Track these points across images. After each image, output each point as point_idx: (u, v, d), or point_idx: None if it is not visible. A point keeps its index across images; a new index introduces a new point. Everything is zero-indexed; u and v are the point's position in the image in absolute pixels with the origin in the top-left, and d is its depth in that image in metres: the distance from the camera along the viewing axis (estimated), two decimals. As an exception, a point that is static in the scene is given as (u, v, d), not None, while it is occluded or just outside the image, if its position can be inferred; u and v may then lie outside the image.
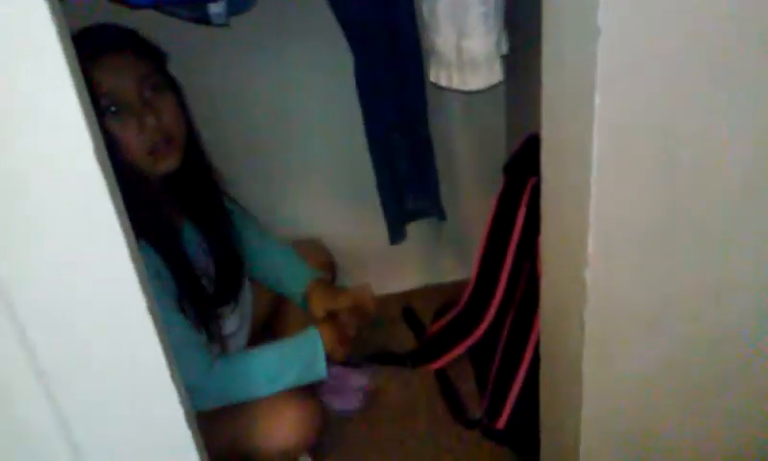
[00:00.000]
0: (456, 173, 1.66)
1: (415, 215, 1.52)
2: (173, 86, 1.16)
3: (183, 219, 1.22)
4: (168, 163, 1.12)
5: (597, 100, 0.67)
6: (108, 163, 0.63)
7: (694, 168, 0.73)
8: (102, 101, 1.04)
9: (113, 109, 1.06)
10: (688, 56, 0.67)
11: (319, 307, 1.35)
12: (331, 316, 1.33)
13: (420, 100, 1.33)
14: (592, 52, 0.65)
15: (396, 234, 1.47)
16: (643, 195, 0.73)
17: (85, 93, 0.61)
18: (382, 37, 1.24)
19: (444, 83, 0.99)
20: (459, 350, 1.45)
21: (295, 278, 1.41)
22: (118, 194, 0.64)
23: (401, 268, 1.78)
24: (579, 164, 0.73)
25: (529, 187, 1.23)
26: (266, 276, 1.42)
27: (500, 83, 0.97)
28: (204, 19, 1.07)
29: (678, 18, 0.65)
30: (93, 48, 1.05)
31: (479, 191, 1.67)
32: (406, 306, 1.72)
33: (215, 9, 1.04)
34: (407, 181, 1.45)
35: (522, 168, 1.28)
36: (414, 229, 1.54)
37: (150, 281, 1.03)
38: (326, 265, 1.54)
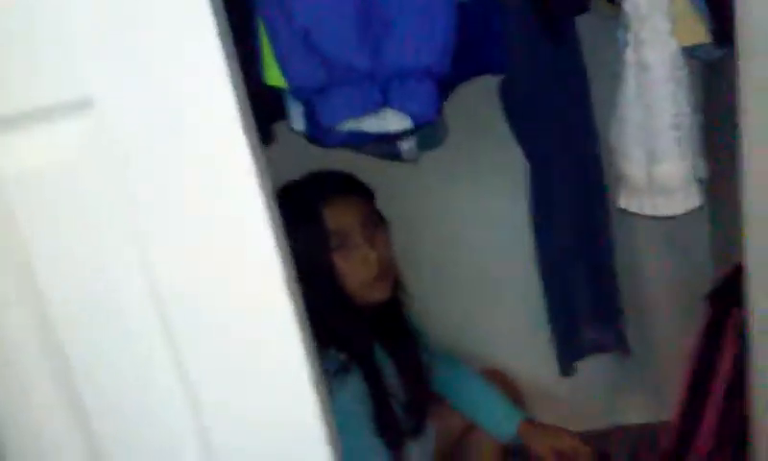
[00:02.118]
0: (648, 303, 1.57)
1: (592, 349, 1.44)
2: (383, 222, 1.28)
3: (375, 344, 1.26)
4: (382, 293, 1.22)
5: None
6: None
7: None
8: (332, 238, 1.17)
9: (339, 244, 1.18)
10: None
11: (545, 447, 1.33)
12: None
13: (603, 226, 1.29)
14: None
15: (566, 367, 1.40)
16: None
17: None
18: (564, 163, 1.24)
19: (634, 210, 0.95)
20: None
21: (502, 414, 1.39)
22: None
23: (585, 406, 1.68)
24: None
25: (734, 320, 1.13)
26: (461, 406, 1.42)
27: (696, 208, 0.92)
28: (395, 156, 1.14)
29: None
30: (322, 191, 1.21)
31: (673, 325, 1.55)
32: (600, 452, 1.60)
33: (405, 145, 1.10)
34: (583, 311, 1.38)
35: (727, 299, 1.19)
36: (599, 363, 1.46)
37: (352, 407, 1.08)
38: (514, 398, 1.49)
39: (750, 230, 0.73)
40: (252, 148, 0.61)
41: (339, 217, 1.18)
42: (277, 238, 0.63)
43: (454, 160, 1.43)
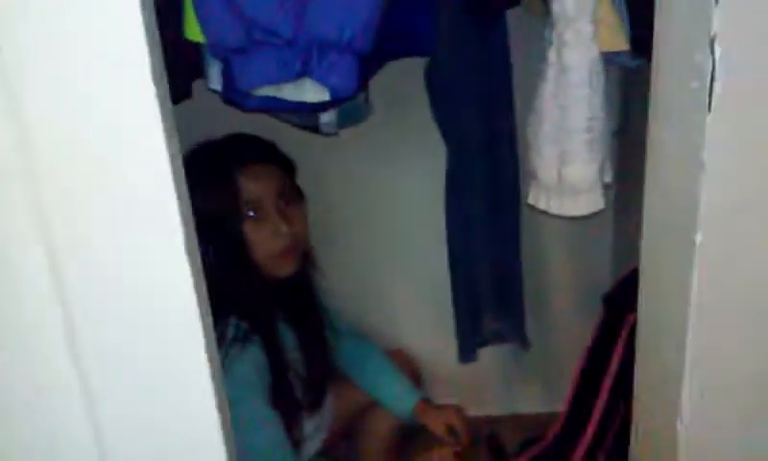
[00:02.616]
0: (549, 299, 1.62)
1: (492, 339, 1.47)
2: (301, 197, 1.25)
3: (279, 316, 1.25)
4: (289, 267, 1.20)
5: (699, 238, 0.64)
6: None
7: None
8: (243, 205, 1.14)
9: (252, 213, 1.15)
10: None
11: (439, 425, 1.36)
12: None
13: (512, 219, 1.32)
14: (696, 188, 0.63)
15: (467, 354, 1.43)
16: (744, 340, 0.68)
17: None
18: (481, 149, 1.26)
19: (542, 207, 0.97)
20: (544, 487, 1.37)
21: (402, 392, 1.42)
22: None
23: (483, 391, 1.72)
24: (677, 304, 0.69)
25: (628, 324, 1.17)
26: (362, 382, 1.44)
27: (600, 211, 0.95)
28: (315, 128, 1.13)
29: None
30: (240, 156, 1.17)
31: (573, 321, 1.61)
32: (491, 434, 1.65)
33: (325, 118, 1.09)
34: (487, 301, 1.41)
35: (623, 302, 1.23)
36: (499, 351, 1.50)
37: (249, 377, 1.07)
38: (413, 378, 1.52)
39: (646, 235, 0.75)
40: (161, 103, 0.59)
41: (254, 185, 1.16)
42: (181, 201, 0.61)
43: (375, 138, 1.42)
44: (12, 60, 0.56)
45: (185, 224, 0.63)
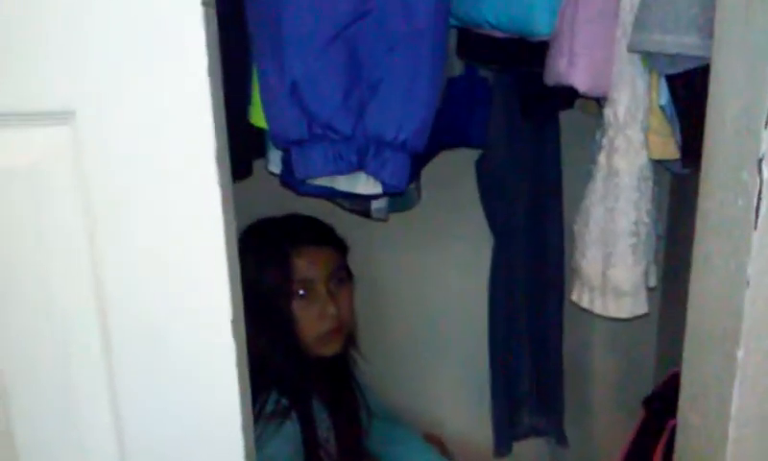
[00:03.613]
0: (591, 397, 1.59)
1: (529, 433, 1.45)
2: (350, 278, 1.28)
3: (315, 394, 1.26)
4: (333, 348, 1.22)
5: (741, 354, 0.64)
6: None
7: None
8: (294, 284, 1.17)
9: (302, 293, 1.18)
10: None
11: None
12: None
13: (555, 313, 1.31)
14: (739, 302, 0.63)
15: (502, 447, 1.41)
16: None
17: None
18: (528, 243, 1.27)
19: (585, 305, 0.98)
20: None
21: None
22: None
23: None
24: (717, 417, 0.68)
25: (668, 429, 1.15)
26: None
27: (644, 315, 0.95)
28: (365, 213, 1.16)
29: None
30: (296, 236, 1.21)
31: (614, 421, 1.57)
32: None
33: (377, 204, 1.12)
34: (526, 395, 1.40)
35: (664, 406, 1.21)
36: (536, 445, 1.48)
37: (284, 454, 1.08)
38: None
39: (688, 345, 0.75)
40: (221, 181, 0.62)
41: (307, 267, 1.18)
42: (231, 276, 0.64)
43: (423, 223, 1.45)
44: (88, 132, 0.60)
45: (234, 305, 0.65)
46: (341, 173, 0.82)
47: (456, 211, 1.45)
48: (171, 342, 0.66)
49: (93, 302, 0.64)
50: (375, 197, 1.05)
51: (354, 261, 1.31)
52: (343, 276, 1.25)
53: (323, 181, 0.85)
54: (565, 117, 1.25)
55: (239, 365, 0.68)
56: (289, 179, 0.85)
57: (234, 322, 0.66)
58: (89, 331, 0.64)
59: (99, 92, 0.60)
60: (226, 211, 0.64)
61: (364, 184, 0.84)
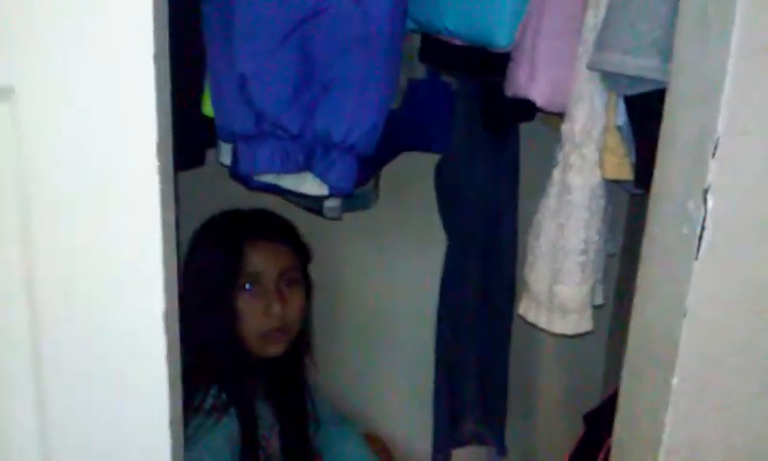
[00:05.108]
0: (534, 408, 1.60)
1: (470, 440, 1.44)
2: (307, 284, 1.25)
3: (260, 392, 1.24)
4: (275, 350, 1.19)
5: (675, 381, 0.64)
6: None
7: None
8: (241, 277, 1.14)
9: (248, 286, 1.15)
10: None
11: None
12: None
13: (503, 322, 1.32)
14: (677, 331, 0.63)
15: (441, 451, 1.41)
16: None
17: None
18: (481, 250, 1.28)
19: (531, 319, 0.98)
20: None
21: None
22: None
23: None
24: (649, 442, 0.69)
25: (606, 447, 1.15)
26: None
27: (588, 332, 0.95)
28: (318, 211, 1.14)
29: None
30: (254, 229, 1.19)
31: (556, 434, 1.59)
32: None
33: (329, 203, 1.11)
34: (469, 402, 1.39)
35: (604, 423, 1.22)
36: (475, 452, 1.48)
37: (219, 449, 1.06)
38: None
39: (627, 366, 0.75)
40: (161, 173, 0.60)
41: (258, 260, 1.16)
42: (166, 269, 0.62)
43: (378, 223, 1.44)
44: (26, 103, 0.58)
45: (168, 299, 0.63)
46: (287, 172, 0.80)
47: (412, 213, 1.45)
48: (103, 335, 0.65)
49: (23, 290, 0.62)
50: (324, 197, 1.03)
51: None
52: (296, 277, 1.22)
53: (269, 178, 0.83)
54: (528, 128, 1.25)
55: (169, 361, 0.66)
56: (238, 172, 0.83)
57: (166, 316, 0.64)
58: (18, 321, 0.62)
59: (39, 70, 0.58)
60: (164, 202, 0.62)
61: (310, 185, 0.82)
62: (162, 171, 0.61)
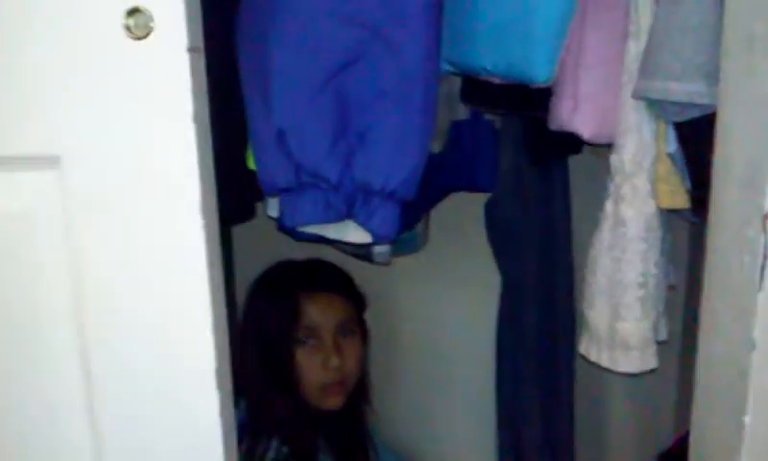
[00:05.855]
0: (606, 451, 1.53)
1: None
2: (363, 332, 1.25)
3: (322, 446, 1.22)
4: (334, 403, 1.17)
5: (747, 419, 0.60)
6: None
7: None
8: (300, 330, 1.14)
9: (306, 340, 1.15)
10: None
11: None
12: None
13: (566, 362, 1.28)
14: (746, 365, 0.60)
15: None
16: None
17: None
18: (537, 290, 1.25)
19: (593, 358, 0.94)
20: None
21: None
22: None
23: None
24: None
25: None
26: None
27: (654, 369, 0.91)
28: (368, 257, 1.14)
29: None
30: (310, 280, 1.18)
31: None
32: None
33: (379, 249, 1.10)
34: (533, 446, 1.34)
35: (679, 462, 1.16)
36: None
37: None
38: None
39: (696, 407, 0.72)
40: (207, 229, 0.61)
41: (315, 313, 1.15)
42: (216, 326, 0.63)
43: (432, 267, 1.42)
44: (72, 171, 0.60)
45: (219, 354, 0.63)
46: (329, 221, 0.80)
47: (465, 255, 1.43)
48: (155, 391, 0.65)
49: (77, 362, 0.64)
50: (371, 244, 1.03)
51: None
52: (353, 328, 1.21)
53: (312, 229, 0.83)
54: (577, 160, 1.23)
55: (223, 415, 0.66)
56: (283, 224, 0.84)
57: (218, 373, 0.65)
58: (74, 395, 0.64)
59: (83, 138, 0.59)
60: (211, 260, 0.63)
61: (353, 233, 0.82)
62: (208, 225, 0.61)
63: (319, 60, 0.74)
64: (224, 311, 0.66)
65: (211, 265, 0.63)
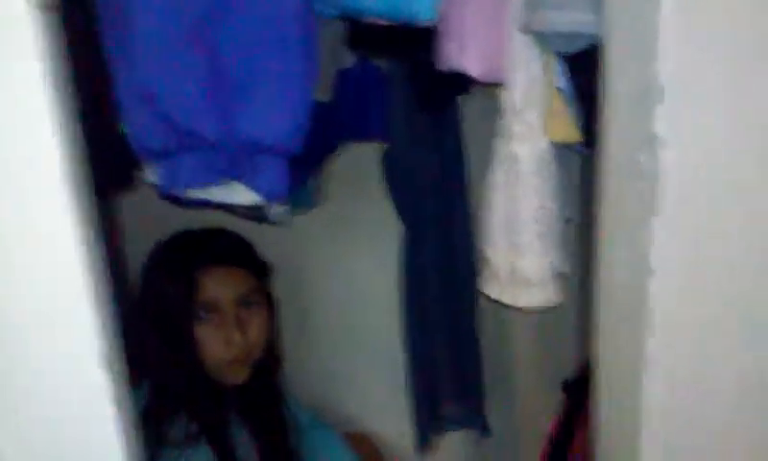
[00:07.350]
0: (513, 382, 1.57)
1: (451, 425, 1.41)
2: (268, 302, 1.17)
3: (234, 419, 1.18)
4: (238, 377, 1.12)
5: (650, 343, 0.61)
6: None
7: None
8: (198, 306, 1.07)
9: (204, 316, 1.08)
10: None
11: None
12: None
13: (470, 301, 1.29)
14: (644, 292, 0.61)
15: (424, 441, 1.37)
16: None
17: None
18: (437, 230, 1.25)
19: (494, 296, 0.94)
20: None
21: None
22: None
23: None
24: (630, 408, 0.66)
25: (587, 411, 1.14)
26: None
27: (556, 305, 0.92)
28: (264, 219, 1.09)
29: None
30: (206, 254, 1.10)
31: (537, 406, 1.56)
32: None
33: (275, 209, 1.05)
34: (444, 386, 1.36)
35: (583, 388, 1.20)
36: (461, 437, 1.46)
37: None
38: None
39: (599, 332, 0.73)
40: (76, 200, 0.55)
41: (212, 288, 1.08)
42: (98, 304, 0.58)
43: (332, 221, 1.40)
44: None
45: (106, 334, 0.58)
46: (213, 183, 0.74)
47: (365, 206, 1.41)
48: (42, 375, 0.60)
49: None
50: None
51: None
52: (256, 299, 1.14)
53: (196, 193, 0.77)
54: (469, 101, 1.22)
55: (116, 402, 0.61)
56: (163, 190, 0.77)
57: (106, 355, 0.60)
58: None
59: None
60: (85, 233, 0.57)
61: (241, 194, 0.76)
62: (78, 197, 0.56)
63: (182, 14, 0.67)
64: (106, 288, 0.61)
65: (86, 240, 0.57)
